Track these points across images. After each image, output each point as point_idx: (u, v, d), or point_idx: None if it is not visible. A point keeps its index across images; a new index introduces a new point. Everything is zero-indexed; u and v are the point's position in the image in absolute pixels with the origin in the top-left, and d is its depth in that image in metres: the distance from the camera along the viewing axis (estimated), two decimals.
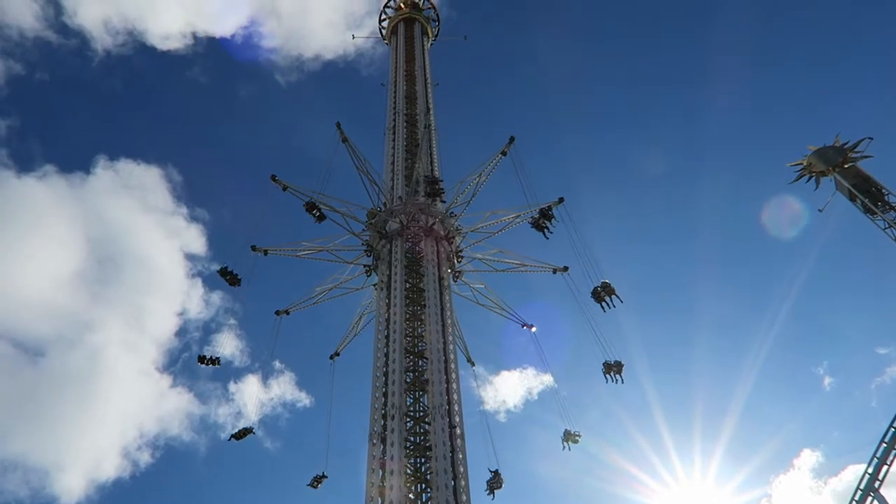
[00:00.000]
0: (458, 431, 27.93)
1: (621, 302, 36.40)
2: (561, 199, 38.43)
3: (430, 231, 36.71)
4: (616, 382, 36.14)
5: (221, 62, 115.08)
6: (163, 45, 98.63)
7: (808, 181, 34.81)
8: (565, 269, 39.81)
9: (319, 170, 40.51)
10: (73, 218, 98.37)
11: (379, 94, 50.54)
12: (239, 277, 38.16)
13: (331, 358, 43.37)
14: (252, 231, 40.25)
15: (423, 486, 26.09)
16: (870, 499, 29.61)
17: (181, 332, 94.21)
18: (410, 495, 25.70)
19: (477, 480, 31.79)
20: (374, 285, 38.63)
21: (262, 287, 48.04)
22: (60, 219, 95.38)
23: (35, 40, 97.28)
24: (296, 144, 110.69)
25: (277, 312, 41.86)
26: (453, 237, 38.46)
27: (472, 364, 43.40)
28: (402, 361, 29.79)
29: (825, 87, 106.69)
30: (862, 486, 29.90)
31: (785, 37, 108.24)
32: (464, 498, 25.97)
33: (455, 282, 38.81)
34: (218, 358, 39.73)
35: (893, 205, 31.72)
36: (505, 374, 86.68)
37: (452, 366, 30.66)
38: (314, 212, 36.67)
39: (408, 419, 27.94)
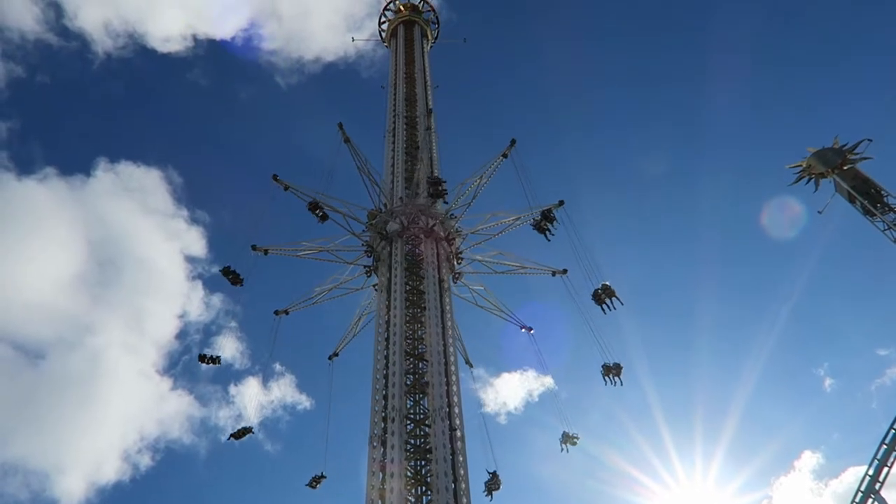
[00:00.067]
0: (459, 434, 27.95)
1: (622, 304, 36.55)
2: (561, 202, 38.61)
3: (430, 232, 36.75)
4: (615, 384, 36.28)
5: (222, 64, 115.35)
6: (163, 48, 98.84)
7: (807, 183, 34.81)
8: (564, 271, 39.98)
9: (320, 171, 40.65)
10: (73, 220, 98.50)
11: (379, 97, 50.69)
12: (241, 277, 38.22)
13: (329, 358, 43.41)
14: (252, 231, 40.31)
15: (424, 488, 26.08)
16: (870, 501, 29.57)
17: (181, 334, 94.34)
18: (411, 498, 25.70)
19: (477, 483, 31.84)
20: (374, 286, 38.69)
21: (263, 289, 48.16)
22: (61, 221, 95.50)
23: (36, 43, 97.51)
24: (296, 146, 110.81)
25: (276, 312, 41.87)
26: (453, 239, 38.52)
27: (471, 366, 43.53)
28: (403, 364, 29.81)
29: (825, 88, 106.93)
30: (862, 488, 29.86)
31: (785, 37, 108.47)
32: (464, 501, 25.97)
33: (455, 283, 38.85)
34: (218, 357, 39.79)
35: (893, 206, 31.71)
36: (505, 376, 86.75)
37: (453, 368, 30.68)
38: (317, 211, 36.73)
39: (408, 422, 27.94)
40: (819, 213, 34.69)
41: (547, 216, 37.58)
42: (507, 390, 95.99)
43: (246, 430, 39.76)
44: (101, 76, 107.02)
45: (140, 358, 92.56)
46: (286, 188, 38.04)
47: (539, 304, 46.04)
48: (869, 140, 33.49)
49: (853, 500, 30.00)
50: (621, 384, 36.25)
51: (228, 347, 75.01)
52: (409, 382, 29.47)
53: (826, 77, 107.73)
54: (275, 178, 38.18)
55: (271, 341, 41.96)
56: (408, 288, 33.53)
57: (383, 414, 28.40)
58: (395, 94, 48.27)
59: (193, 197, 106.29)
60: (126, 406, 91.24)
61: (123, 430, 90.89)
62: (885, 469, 29.76)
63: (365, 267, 39.37)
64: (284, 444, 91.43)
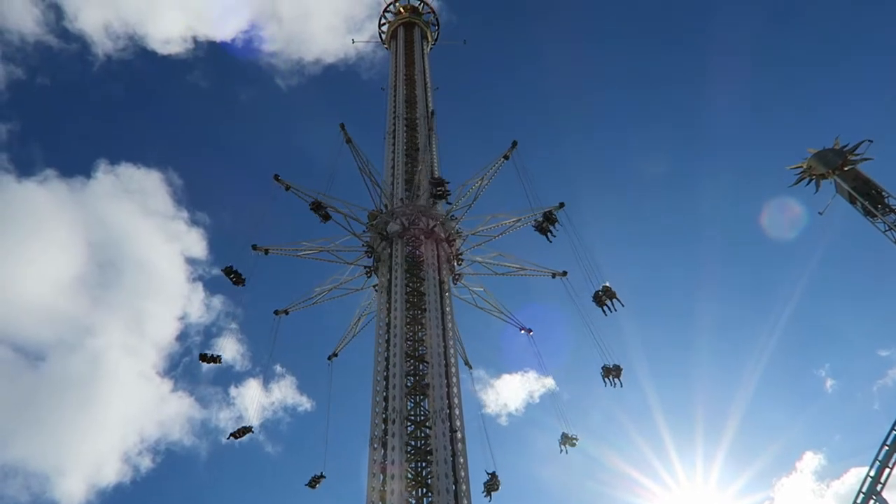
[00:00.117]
0: (459, 435, 27.92)
1: (622, 305, 36.55)
2: (562, 204, 38.65)
3: (430, 233, 36.75)
4: (615, 386, 36.27)
5: (222, 66, 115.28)
6: (163, 50, 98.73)
7: (808, 184, 34.82)
8: (564, 273, 39.99)
9: (320, 173, 40.83)
10: (73, 222, 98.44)
11: (379, 98, 50.68)
12: (243, 277, 38.32)
13: (329, 359, 43.38)
14: (253, 232, 40.32)
15: (424, 490, 26.05)
16: (872, 502, 29.52)
17: (182, 336, 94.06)
18: (411, 500, 25.66)
19: (478, 484, 31.84)
20: (374, 287, 38.70)
21: (263, 290, 48.02)
22: (61, 223, 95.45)
23: (36, 45, 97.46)
24: (296, 148, 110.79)
25: (276, 312, 41.82)
26: (454, 240, 38.53)
27: (471, 367, 43.48)
28: (403, 365, 29.78)
29: (825, 88, 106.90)
30: (864, 490, 29.81)
31: (785, 37, 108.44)
32: (465, 502, 25.93)
33: (454, 285, 38.86)
34: (219, 356, 39.74)
35: (893, 207, 31.73)
36: (506, 377, 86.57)
37: (453, 370, 30.65)
38: (320, 211, 36.77)
39: (408, 423, 27.92)
40: (820, 214, 34.74)
41: (549, 218, 37.74)
42: (508, 392, 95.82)
43: (246, 430, 39.80)
44: (101, 78, 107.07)
45: (140, 360, 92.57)
46: (287, 188, 38.09)
47: (539, 305, 46.07)
48: (869, 141, 33.57)
49: (855, 502, 29.94)
50: (621, 386, 36.28)
51: (229, 349, 74.85)
52: (409, 384, 29.44)
53: (826, 77, 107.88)
54: (276, 178, 38.25)
55: (271, 341, 42.02)
56: (408, 289, 33.52)
57: (384, 415, 28.37)
58: (395, 96, 48.30)
59: (194, 199, 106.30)
60: (126, 408, 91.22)
61: (124, 432, 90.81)
62: (887, 470, 29.71)
63: (365, 267, 39.36)
64: (285, 446, 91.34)
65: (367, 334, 40.32)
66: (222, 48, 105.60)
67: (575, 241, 37.93)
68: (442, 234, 37.42)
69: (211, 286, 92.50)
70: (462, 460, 27.12)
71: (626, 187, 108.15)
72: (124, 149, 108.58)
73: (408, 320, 32.03)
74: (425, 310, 32.44)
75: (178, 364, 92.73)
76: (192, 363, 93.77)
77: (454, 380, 30.24)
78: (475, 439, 32.06)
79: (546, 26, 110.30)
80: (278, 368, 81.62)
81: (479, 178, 39.75)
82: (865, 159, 33.42)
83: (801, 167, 34.86)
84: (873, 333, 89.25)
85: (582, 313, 37.39)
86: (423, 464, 26.80)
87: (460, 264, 39.55)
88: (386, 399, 28.88)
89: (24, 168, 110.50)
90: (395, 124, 45.51)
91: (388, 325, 32.02)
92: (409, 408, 28.57)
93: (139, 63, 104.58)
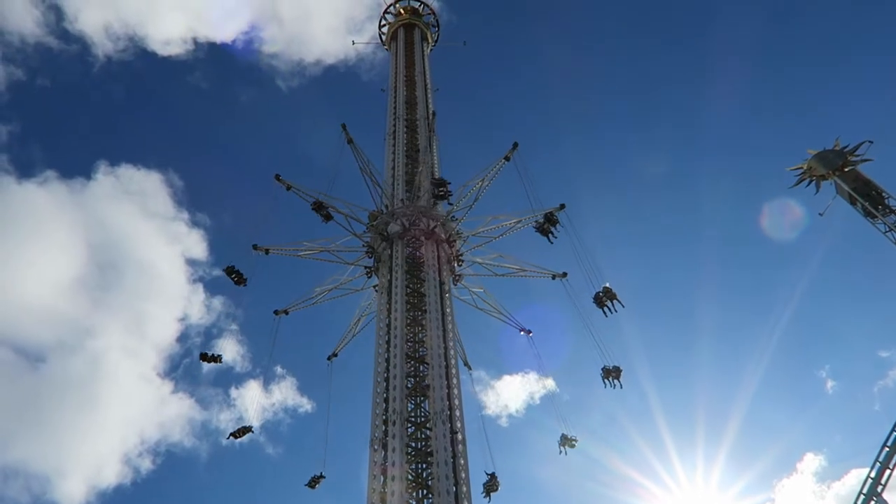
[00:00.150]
0: (460, 437, 27.91)
1: (623, 307, 36.60)
2: (562, 206, 38.79)
3: (431, 234, 36.76)
4: (615, 387, 36.33)
5: (222, 67, 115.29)
6: (164, 51, 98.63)
7: (808, 185, 34.83)
8: (564, 275, 40.05)
9: (321, 174, 40.89)
10: (73, 224, 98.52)
11: (379, 99, 50.68)
12: (245, 277, 38.43)
13: (328, 359, 43.37)
14: (253, 232, 40.39)
15: (425, 491, 26.04)
16: (872, 503, 29.51)
17: (182, 337, 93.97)
18: (412, 501, 25.65)
19: (478, 486, 31.78)
20: (375, 287, 38.72)
21: (264, 291, 48.01)
22: (61, 224, 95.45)
23: (36, 46, 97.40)
24: (297, 149, 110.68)
25: (276, 312, 41.84)
26: (454, 241, 38.55)
27: (470, 368, 43.42)
28: (403, 366, 29.79)
29: (825, 89, 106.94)
30: (865, 491, 29.78)
31: (785, 38, 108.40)
32: (466, 503, 25.92)
33: (455, 286, 38.88)
34: (220, 355, 39.87)
35: (894, 208, 31.73)
36: (507, 378, 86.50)
37: (454, 371, 30.64)
38: (322, 211, 36.83)
39: (409, 425, 27.91)
40: (820, 215, 34.73)
41: (550, 219, 37.94)
42: (509, 393, 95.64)
43: (246, 430, 39.88)
44: (101, 79, 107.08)
45: (141, 361, 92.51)
46: (289, 188, 38.18)
47: (539, 306, 46.09)
48: (870, 142, 33.56)
49: (855, 503, 29.93)
50: (621, 387, 36.36)
51: (229, 350, 74.43)
52: (409, 385, 29.44)
53: (826, 78, 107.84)
54: (277, 177, 38.35)
55: (271, 341, 42.07)
56: (408, 290, 33.52)
57: (384, 417, 28.36)
58: (395, 97, 48.32)
59: (194, 200, 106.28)
60: (127, 409, 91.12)
61: (124, 434, 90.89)
62: (888, 471, 29.67)
63: (366, 268, 39.37)
64: (286, 447, 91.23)
65: (367, 334, 40.39)
66: (223, 49, 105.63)
67: (575, 242, 38.11)
68: (442, 235, 37.43)
69: (211, 287, 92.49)
70: (462, 462, 27.11)
71: (626, 187, 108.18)
72: (125, 150, 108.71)
73: (408, 321, 32.03)
74: (426, 311, 32.44)
75: (178, 365, 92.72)
76: (192, 364, 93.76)
77: (454, 381, 30.22)
78: (475, 440, 32.08)
79: (546, 27, 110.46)
80: (279, 370, 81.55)
81: (480, 179, 39.85)
82: (865, 160, 33.43)
83: (802, 168, 34.85)
84: (874, 334, 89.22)
85: (582, 314, 37.55)
86: (424, 465, 26.79)
87: (460, 265, 39.57)
88: (386, 400, 28.87)
89: (25, 169, 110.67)
90: (395, 125, 45.53)
91: (389, 326, 32.02)
92: (409, 409, 28.57)
93: (139, 64, 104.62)
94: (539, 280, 41.10)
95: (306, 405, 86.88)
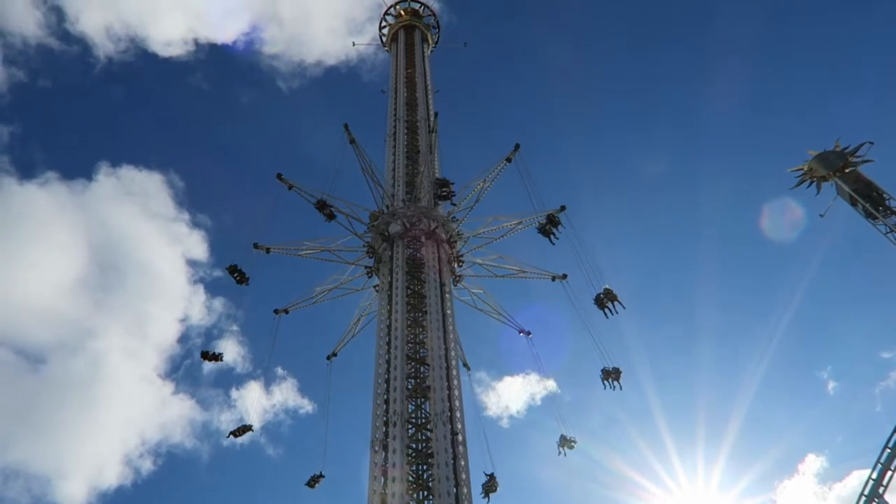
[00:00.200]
0: (460, 438, 27.89)
1: (623, 308, 36.59)
2: (563, 207, 38.85)
3: (431, 235, 36.75)
4: (614, 389, 36.30)
5: (223, 68, 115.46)
6: (164, 52, 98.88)
7: (808, 186, 34.78)
8: (564, 276, 40.12)
9: (321, 174, 40.85)
10: (74, 225, 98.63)
11: (380, 100, 50.71)
12: (247, 276, 38.49)
13: (328, 358, 43.41)
14: (254, 231, 40.47)
15: (425, 493, 26.03)
16: None
17: (183, 338, 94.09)
18: (412, 502, 25.64)
19: (479, 487, 31.75)
20: (375, 287, 38.74)
21: (264, 292, 48.05)
22: (62, 225, 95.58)
23: (37, 47, 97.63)
24: (298, 150, 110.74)
25: (276, 311, 41.92)
26: (455, 242, 38.55)
27: (469, 369, 43.42)
28: (404, 368, 29.77)
29: (826, 89, 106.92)
30: (866, 492, 29.72)
31: (785, 38, 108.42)
32: None
33: (455, 286, 38.88)
34: (220, 354, 40.11)
35: (894, 209, 31.68)
36: (508, 379, 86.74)
37: (454, 372, 30.61)
38: (325, 210, 36.91)
39: (409, 426, 27.89)
40: (821, 216, 34.59)
41: (552, 220, 38.07)
42: (510, 394, 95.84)
43: (246, 428, 40.04)
44: (102, 80, 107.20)
45: (141, 362, 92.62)
46: (290, 187, 38.28)
47: (540, 307, 46.09)
48: (870, 143, 33.47)
49: None
50: (620, 388, 36.35)
51: (230, 351, 74.92)
52: (410, 386, 29.42)
53: (827, 78, 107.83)
54: (279, 177, 38.44)
55: (272, 341, 42.14)
56: (409, 291, 33.50)
57: (385, 418, 28.35)
58: (395, 98, 48.33)
59: (195, 201, 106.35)
60: (127, 410, 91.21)
61: (125, 435, 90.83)
62: (889, 472, 29.60)
63: (366, 268, 39.38)
64: (286, 448, 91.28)
65: (367, 334, 40.43)
66: (223, 50, 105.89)
67: (576, 243, 38.16)
68: (443, 236, 37.42)
69: (212, 288, 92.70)
70: (463, 463, 27.09)
71: (626, 187, 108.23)
72: (125, 151, 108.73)
73: (408, 322, 32.01)
74: (426, 312, 32.42)
75: (179, 366, 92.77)
76: (193, 365, 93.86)
77: (455, 382, 30.19)
78: (476, 442, 32.06)
79: (546, 27, 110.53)
80: (279, 370, 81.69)
81: (482, 180, 39.89)
82: (866, 161, 33.33)
83: (802, 169, 34.79)
84: (875, 335, 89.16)
85: (582, 315, 37.57)
86: (424, 466, 26.78)
87: (461, 266, 39.57)
88: (387, 401, 28.86)
89: (26, 170, 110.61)
90: (395, 126, 45.54)
91: (389, 327, 32.00)
92: (409, 410, 28.56)
93: (140, 65, 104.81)
94: (539, 280, 41.16)
95: (307, 406, 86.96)
